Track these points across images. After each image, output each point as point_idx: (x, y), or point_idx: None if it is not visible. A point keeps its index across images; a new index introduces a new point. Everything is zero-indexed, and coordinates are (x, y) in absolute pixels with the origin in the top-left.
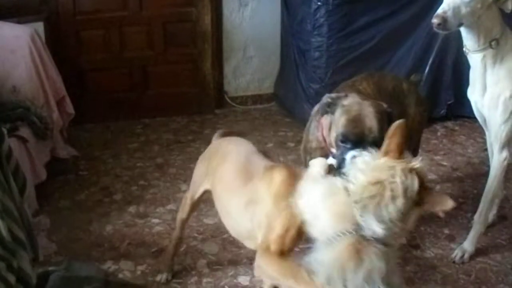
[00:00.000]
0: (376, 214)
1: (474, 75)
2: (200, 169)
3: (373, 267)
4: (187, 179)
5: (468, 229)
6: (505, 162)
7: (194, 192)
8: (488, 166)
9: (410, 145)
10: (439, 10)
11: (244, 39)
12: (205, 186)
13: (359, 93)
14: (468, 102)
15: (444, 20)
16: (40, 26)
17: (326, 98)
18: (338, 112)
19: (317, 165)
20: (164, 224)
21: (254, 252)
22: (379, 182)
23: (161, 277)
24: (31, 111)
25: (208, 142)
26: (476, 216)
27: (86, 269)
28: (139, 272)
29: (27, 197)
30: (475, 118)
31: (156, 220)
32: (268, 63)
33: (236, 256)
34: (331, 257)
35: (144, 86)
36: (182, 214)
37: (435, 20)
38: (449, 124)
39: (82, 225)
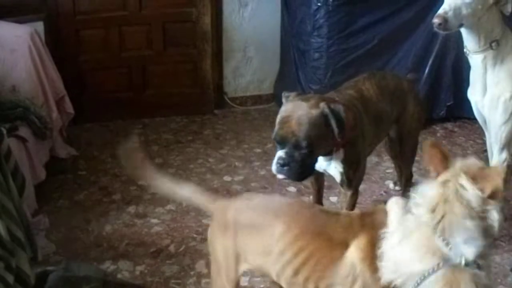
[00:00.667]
0: (457, 233)
1: (475, 76)
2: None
3: None
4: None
5: None
6: (505, 163)
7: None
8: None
9: (407, 145)
10: (440, 10)
11: (244, 39)
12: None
13: (362, 93)
14: (467, 103)
15: (445, 20)
16: (40, 25)
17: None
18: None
19: (394, 207)
20: (163, 225)
21: None
22: (442, 199)
23: None
24: (30, 111)
25: (207, 142)
26: None
27: (85, 269)
28: (138, 272)
29: (26, 197)
30: (474, 119)
31: (155, 220)
32: (268, 64)
33: None
34: None
35: (144, 86)
36: None
37: (436, 20)
38: (449, 125)
39: (81, 225)
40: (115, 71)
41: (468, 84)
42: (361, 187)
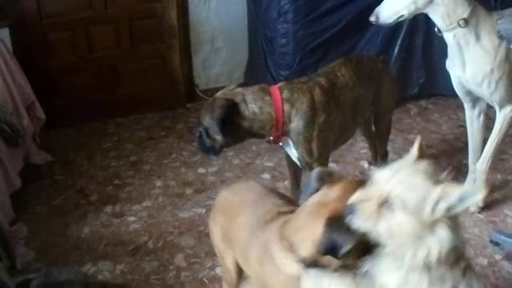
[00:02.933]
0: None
1: (452, 52)
2: None
3: None
4: (161, 174)
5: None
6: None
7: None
8: (463, 142)
9: (382, 124)
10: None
11: (211, 31)
12: None
13: (336, 80)
14: (440, 80)
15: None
16: (5, 32)
17: None
18: None
19: None
20: (141, 221)
21: None
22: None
23: None
24: (0, 119)
25: (180, 136)
26: (478, 164)
27: (66, 274)
28: (118, 272)
29: (2, 205)
30: (448, 95)
31: (132, 218)
32: (237, 53)
33: (213, 247)
34: None
35: (114, 85)
36: None
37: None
38: (422, 103)
39: (60, 229)
40: (85, 73)
41: (439, 62)
42: (336, 168)
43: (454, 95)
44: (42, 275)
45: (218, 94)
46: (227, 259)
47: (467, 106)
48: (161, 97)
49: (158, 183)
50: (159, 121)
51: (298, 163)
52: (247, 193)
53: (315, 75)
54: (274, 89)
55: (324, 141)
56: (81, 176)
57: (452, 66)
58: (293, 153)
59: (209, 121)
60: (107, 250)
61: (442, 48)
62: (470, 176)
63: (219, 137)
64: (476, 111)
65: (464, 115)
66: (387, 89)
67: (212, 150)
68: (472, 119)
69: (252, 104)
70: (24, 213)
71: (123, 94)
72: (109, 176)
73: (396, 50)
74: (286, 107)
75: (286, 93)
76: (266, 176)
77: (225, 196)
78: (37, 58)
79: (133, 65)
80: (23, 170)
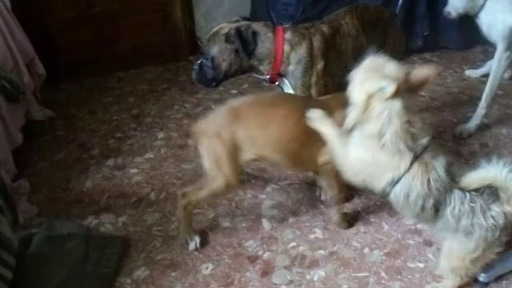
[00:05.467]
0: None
1: None
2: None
3: None
4: (164, 126)
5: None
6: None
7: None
8: (467, 95)
9: None
10: None
11: None
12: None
13: (341, 27)
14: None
15: None
16: None
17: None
18: None
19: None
20: (143, 173)
21: (233, 193)
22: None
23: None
24: (1, 76)
25: (183, 88)
26: (481, 104)
27: (68, 227)
28: (120, 224)
29: (4, 162)
30: (453, 48)
31: (134, 170)
32: (239, 5)
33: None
34: None
35: (115, 39)
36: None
37: None
38: (427, 55)
39: (62, 184)
40: (85, 28)
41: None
42: None
43: (458, 48)
44: (44, 229)
45: (224, 24)
46: (236, 163)
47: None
48: (163, 50)
49: (161, 135)
50: (161, 74)
51: None
52: (263, 100)
53: (319, 22)
54: (279, 29)
55: (323, 89)
56: (83, 131)
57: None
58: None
59: (220, 45)
60: (109, 202)
61: (447, 1)
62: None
63: (225, 63)
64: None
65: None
66: (393, 40)
67: (214, 81)
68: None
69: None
70: (26, 169)
71: (124, 49)
72: (111, 129)
73: (400, 1)
74: (286, 47)
75: (288, 34)
76: None
77: (240, 105)
78: (36, 14)
79: (134, 19)
80: (24, 126)
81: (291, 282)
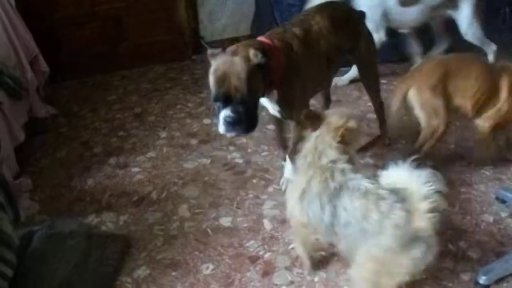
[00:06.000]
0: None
1: None
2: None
3: None
4: (166, 126)
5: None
6: None
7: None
8: None
9: (368, 77)
10: None
11: None
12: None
13: (310, 29)
14: None
15: None
16: None
17: (207, 55)
18: (210, 71)
19: None
20: (145, 172)
21: (235, 193)
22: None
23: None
24: (3, 73)
25: (186, 87)
26: None
27: (69, 225)
28: (121, 222)
29: (6, 159)
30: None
31: (136, 169)
32: (244, 5)
33: (217, 198)
34: None
35: (119, 38)
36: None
37: None
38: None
39: (64, 181)
40: (89, 26)
41: None
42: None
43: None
44: (45, 227)
45: (244, 50)
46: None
47: None
48: (167, 49)
49: (163, 134)
50: (164, 73)
51: (279, 115)
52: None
53: (289, 25)
54: (270, 41)
55: (303, 92)
56: (86, 129)
57: None
58: (274, 107)
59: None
60: (111, 201)
61: None
62: None
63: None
64: None
65: None
66: (365, 41)
67: (255, 118)
68: None
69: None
70: (29, 166)
71: (128, 47)
72: (113, 128)
73: None
74: (282, 57)
75: (278, 43)
76: (271, 127)
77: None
78: (41, 12)
79: (138, 18)
80: (27, 123)
81: (291, 282)
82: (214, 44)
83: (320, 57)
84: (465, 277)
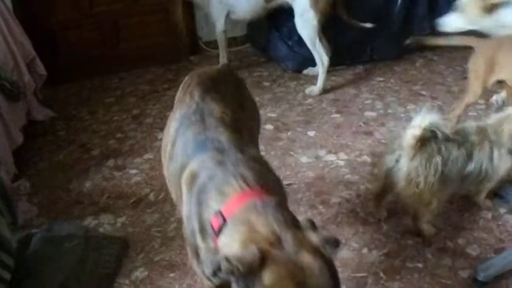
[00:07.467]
0: None
1: None
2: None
3: None
4: (164, 127)
5: None
6: None
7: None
8: None
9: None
10: None
11: None
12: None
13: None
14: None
15: None
16: None
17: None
18: None
19: None
20: (142, 174)
21: None
22: None
23: None
24: (0, 76)
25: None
26: None
27: (67, 228)
28: (119, 224)
29: (4, 162)
30: (453, 48)
31: (134, 171)
32: None
33: None
34: None
35: (117, 40)
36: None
37: None
38: (428, 54)
39: (62, 184)
40: (87, 28)
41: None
42: (340, 119)
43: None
44: (44, 230)
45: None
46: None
47: None
48: (164, 51)
49: (161, 135)
50: (162, 75)
51: None
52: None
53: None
54: None
55: None
56: (84, 131)
57: None
58: None
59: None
60: (108, 203)
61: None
62: None
63: None
64: None
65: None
66: (249, 105)
67: None
68: None
69: None
70: (27, 169)
71: (125, 49)
72: (111, 130)
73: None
74: None
75: None
76: (269, 127)
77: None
78: (38, 15)
79: (135, 20)
80: (25, 126)
81: None
82: (211, 44)
83: None
84: (464, 274)
